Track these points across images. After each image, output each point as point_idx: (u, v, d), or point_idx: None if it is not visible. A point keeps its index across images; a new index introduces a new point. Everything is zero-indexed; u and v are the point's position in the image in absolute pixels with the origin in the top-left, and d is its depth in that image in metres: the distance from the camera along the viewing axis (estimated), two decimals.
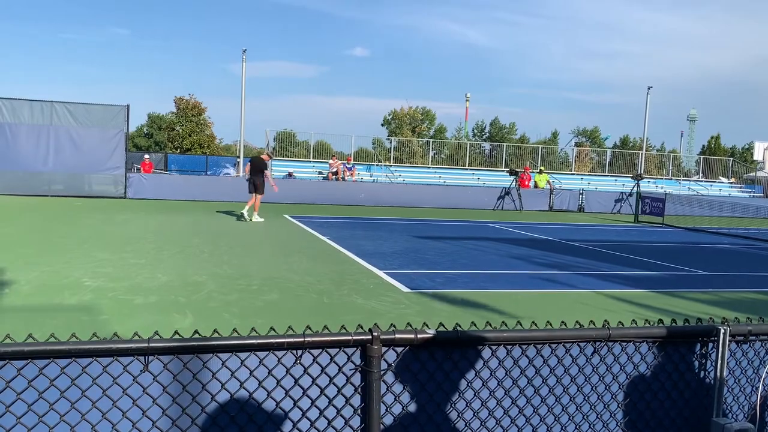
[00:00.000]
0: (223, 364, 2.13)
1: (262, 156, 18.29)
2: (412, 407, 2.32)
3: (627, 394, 2.59)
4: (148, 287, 8.02)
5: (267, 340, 2.15)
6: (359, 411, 2.27)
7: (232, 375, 2.14)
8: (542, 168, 33.61)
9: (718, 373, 2.65)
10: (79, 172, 22.77)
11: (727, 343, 2.62)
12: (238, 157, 37.64)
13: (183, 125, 60.96)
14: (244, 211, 17.49)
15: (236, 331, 2.15)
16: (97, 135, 22.82)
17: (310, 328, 2.23)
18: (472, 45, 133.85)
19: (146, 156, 32.45)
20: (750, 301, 8.89)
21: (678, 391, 2.68)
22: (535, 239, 16.06)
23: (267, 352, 2.17)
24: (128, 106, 23.14)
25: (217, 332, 2.14)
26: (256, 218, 17.13)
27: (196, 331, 2.17)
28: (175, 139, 60.79)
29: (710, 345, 2.69)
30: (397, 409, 2.30)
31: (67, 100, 22.91)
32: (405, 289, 8.61)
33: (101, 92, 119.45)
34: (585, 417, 2.53)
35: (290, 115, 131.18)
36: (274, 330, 2.20)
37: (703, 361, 2.71)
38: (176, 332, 2.15)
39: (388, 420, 2.30)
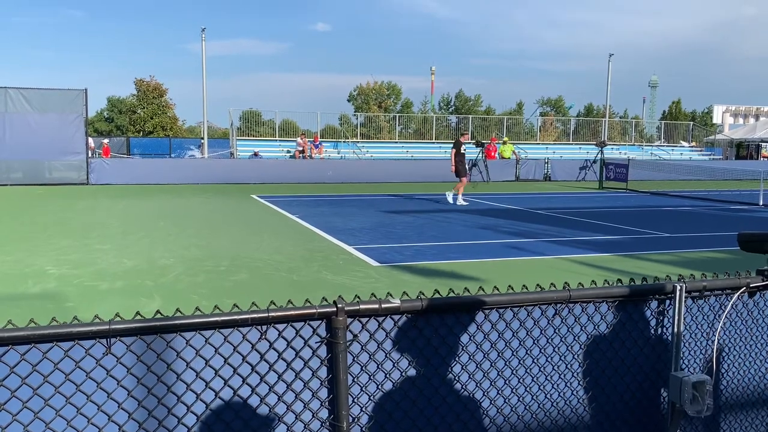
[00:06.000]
0: (187, 343, 2.12)
1: (461, 138, 18.16)
2: (379, 376, 2.35)
3: (589, 353, 2.66)
4: (114, 272, 7.92)
5: (231, 317, 2.14)
6: (326, 382, 2.28)
7: (197, 353, 2.13)
8: (506, 139, 33.82)
9: (676, 329, 2.72)
10: (39, 159, 22.17)
11: (684, 299, 2.70)
12: (202, 138, 37.06)
13: (144, 108, 59.73)
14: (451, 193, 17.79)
15: (199, 310, 2.14)
16: (55, 121, 22.20)
17: (274, 303, 2.23)
18: (435, 17, 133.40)
19: (105, 140, 31.74)
20: (709, 260, 9.14)
21: (638, 348, 2.76)
22: (502, 209, 16.22)
23: (231, 329, 2.16)
24: (86, 90, 22.55)
25: (180, 311, 2.12)
26: (460, 201, 17.11)
27: (158, 311, 2.15)
28: (136, 123, 59.58)
29: (667, 302, 2.77)
30: (364, 379, 2.33)
31: (21, 85, 22.22)
32: (374, 264, 8.65)
33: (58, 77, 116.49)
34: (548, 378, 2.59)
35: (254, 94, 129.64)
36: (237, 307, 2.20)
37: (661, 318, 2.78)
38: (138, 313, 2.13)
39: (355, 390, 2.32)
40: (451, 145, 17.94)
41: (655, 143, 45.25)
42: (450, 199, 17.47)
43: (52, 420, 1.99)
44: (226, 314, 2.14)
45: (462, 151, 17.40)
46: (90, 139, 25.40)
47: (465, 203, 17.08)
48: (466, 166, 17.82)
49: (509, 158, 29.65)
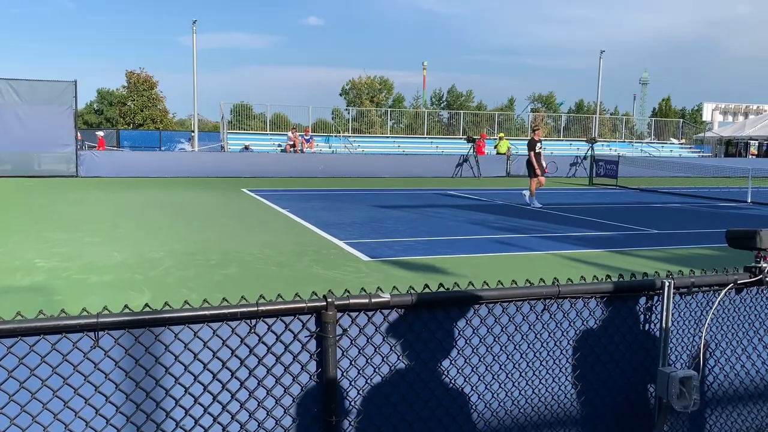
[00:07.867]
0: (176, 337, 2.11)
1: (535, 134, 16.16)
2: (368, 370, 2.35)
3: (577, 348, 2.67)
4: (103, 266, 7.87)
5: (220, 311, 2.14)
6: (315, 377, 2.28)
7: (185, 347, 2.13)
8: (501, 134, 34.01)
9: (664, 324, 2.74)
10: (28, 151, 21.98)
11: (672, 295, 2.72)
12: (193, 131, 36.88)
13: (134, 100, 59.34)
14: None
15: (188, 303, 2.13)
16: (45, 112, 21.98)
17: (263, 297, 2.23)
18: (428, 11, 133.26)
19: (100, 133, 31.54)
20: (697, 256, 9.20)
21: (626, 344, 2.77)
22: (493, 205, 16.25)
23: (220, 323, 2.16)
24: (75, 81, 22.36)
25: (168, 305, 2.11)
26: (533, 204, 15.53)
27: (146, 305, 2.14)
28: (126, 115, 59.21)
29: (656, 298, 2.78)
30: (353, 373, 2.33)
31: (11, 76, 22.01)
32: (365, 258, 8.64)
33: (48, 68, 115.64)
34: (536, 373, 2.60)
35: (246, 88, 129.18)
36: (226, 300, 2.19)
37: (649, 313, 2.80)
38: (126, 306, 2.12)
39: (344, 384, 2.32)
40: (527, 145, 16.27)
41: (645, 140, 45.44)
42: (528, 199, 15.93)
43: (39, 413, 1.98)
44: (216, 308, 2.13)
45: (538, 150, 15.64)
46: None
47: (539, 206, 15.60)
48: (543, 164, 16.01)
49: (505, 154, 29.71)
